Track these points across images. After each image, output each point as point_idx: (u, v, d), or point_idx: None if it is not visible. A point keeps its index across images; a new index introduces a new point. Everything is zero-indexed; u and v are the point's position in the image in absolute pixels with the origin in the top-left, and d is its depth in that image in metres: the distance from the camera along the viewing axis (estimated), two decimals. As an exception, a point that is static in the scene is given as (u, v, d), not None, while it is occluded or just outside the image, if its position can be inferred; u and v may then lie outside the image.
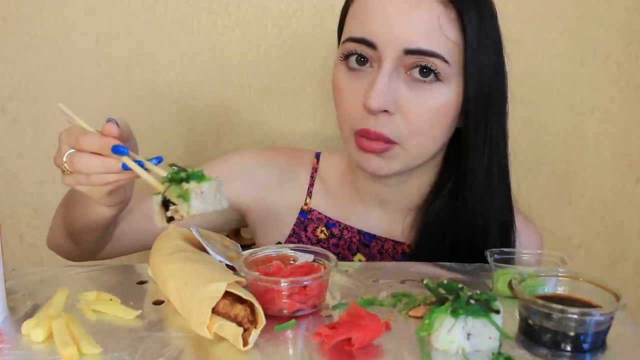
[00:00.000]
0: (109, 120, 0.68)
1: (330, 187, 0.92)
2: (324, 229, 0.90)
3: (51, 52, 1.26)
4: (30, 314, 0.59)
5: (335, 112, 0.82)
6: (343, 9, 0.82)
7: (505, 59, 0.81)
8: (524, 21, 1.22)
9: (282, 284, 0.58)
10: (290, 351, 0.55)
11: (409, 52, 0.73)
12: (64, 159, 0.66)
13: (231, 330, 0.53)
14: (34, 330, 0.55)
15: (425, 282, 0.60)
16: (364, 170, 0.80)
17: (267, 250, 0.67)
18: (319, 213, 0.91)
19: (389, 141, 0.76)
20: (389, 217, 0.89)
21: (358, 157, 0.79)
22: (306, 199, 0.92)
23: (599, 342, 0.54)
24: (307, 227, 0.91)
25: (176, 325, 0.58)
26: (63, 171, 0.67)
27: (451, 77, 0.75)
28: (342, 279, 0.70)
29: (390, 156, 0.78)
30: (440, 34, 0.73)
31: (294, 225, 0.91)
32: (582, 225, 1.32)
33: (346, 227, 0.90)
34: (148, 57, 1.26)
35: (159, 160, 0.66)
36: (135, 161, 0.65)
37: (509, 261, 0.68)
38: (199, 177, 0.58)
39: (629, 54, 1.23)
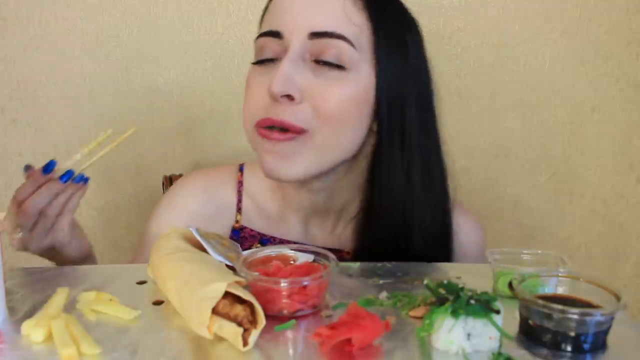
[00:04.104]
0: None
1: (259, 201, 0.89)
2: (259, 245, 0.86)
3: (51, 52, 1.26)
4: (29, 314, 0.59)
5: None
6: (260, 20, 0.82)
7: (429, 59, 0.81)
8: (524, 21, 1.22)
9: (282, 284, 0.58)
10: (290, 351, 0.54)
11: (314, 35, 0.72)
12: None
13: (231, 331, 0.53)
14: (33, 331, 0.54)
15: (425, 282, 0.59)
16: (267, 175, 0.76)
17: (267, 251, 0.67)
18: (252, 230, 0.88)
19: (293, 129, 0.72)
20: (326, 224, 0.87)
21: (262, 159, 0.75)
22: (236, 215, 0.88)
23: (600, 343, 0.54)
24: (241, 245, 0.85)
25: (176, 325, 0.58)
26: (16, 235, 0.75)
27: (359, 64, 0.74)
28: (342, 279, 0.70)
29: (294, 151, 0.73)
30: (345, 19, 0.73)
31: None
32: (582, 225, 1.32)
33: (282, 241, 0.86)
34: (148, 57, 1.26)
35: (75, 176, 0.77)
36: (67, 172, 0.76)
37: (510, 261, 0.68)
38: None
39: (630, 54, 1.23)
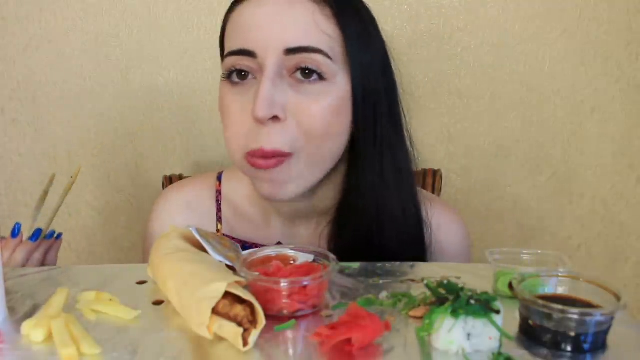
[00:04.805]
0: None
1: (239, 208, 0.89)
2: None
3: (51, 52, 1.26)
4: (29, 314, 0.59)
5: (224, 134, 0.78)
6: (221, 31, 0.80)
7: (392, 61, 0.81)
8: (524, 21, 1.22)
9: (282, 284, 0.58)
10: (290, 351, 0.54)
11: (289, 51, 0.71)
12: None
13: (231, 331, 0.53)
14: (33, 331, 0.54)
15: (425, 282, 0.60)
16: (263, 197, 0.77)
17: (267, 251, 0.67)
18: (233, 238, 0.87)
19: (284, 155, 0.73)
20: (308, 228, 0.87)
21: (257, 186, 0.76)
22: (217, 225, 0.89)
23: (600, 343, 0.54)
24: None
25: (176, 325, 0.58)
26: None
27: (336, 73, 0.73)
28: (342, 279, 0.70)
29: (284, 172, 0.74)
30: (317, 30, 0.72)
31: None
32: (582, 225, 1.32)
33: (265, 246, 0.86)
34: (148, 57, 1.26)
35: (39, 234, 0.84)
36: (35, 231, 0.82)
37: (510, 261, 0.68)
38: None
39: (630, 54, 1.23)
